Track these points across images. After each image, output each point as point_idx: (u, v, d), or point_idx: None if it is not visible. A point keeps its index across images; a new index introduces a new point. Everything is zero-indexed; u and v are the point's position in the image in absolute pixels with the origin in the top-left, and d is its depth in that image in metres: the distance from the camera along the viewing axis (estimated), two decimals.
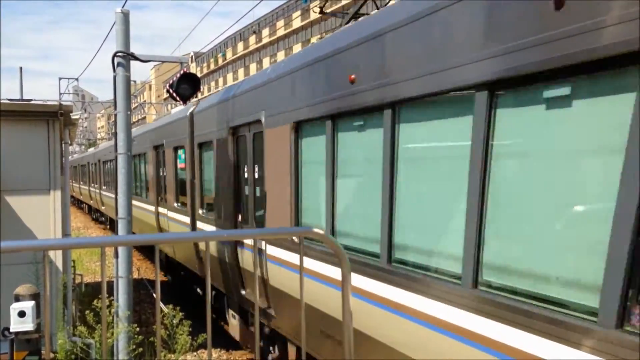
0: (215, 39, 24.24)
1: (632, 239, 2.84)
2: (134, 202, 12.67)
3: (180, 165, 12.52)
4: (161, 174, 14.40)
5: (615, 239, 2.92)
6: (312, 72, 6.27)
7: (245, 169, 8.56)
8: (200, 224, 10.85)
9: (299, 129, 6.73)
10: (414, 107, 4.68)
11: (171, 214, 13.30)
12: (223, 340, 11.02)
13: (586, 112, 3.22)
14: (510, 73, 3.54)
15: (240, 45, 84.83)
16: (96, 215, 36.41)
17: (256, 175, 8.15)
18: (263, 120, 7.58)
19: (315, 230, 3.37)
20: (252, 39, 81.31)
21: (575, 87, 3.27)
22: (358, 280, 5.23)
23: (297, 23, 71.19)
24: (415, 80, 4.49)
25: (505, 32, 3.56)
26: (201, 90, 9.96)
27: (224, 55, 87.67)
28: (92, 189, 33.84)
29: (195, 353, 10.34)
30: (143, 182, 17.18)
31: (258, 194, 8.11)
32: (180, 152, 12.47)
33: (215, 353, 10.80)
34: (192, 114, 11.33)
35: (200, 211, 10.88)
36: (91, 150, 41.18)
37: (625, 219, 2.88)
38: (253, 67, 76.04)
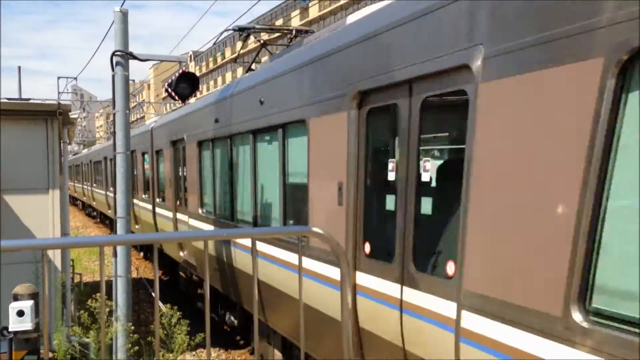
0: (214, 37, 24.20)
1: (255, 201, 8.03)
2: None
3: (146, 166, 16.50)
4: (134, 172, 17.76)
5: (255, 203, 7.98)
6: (203, 113, 10.41)
7: (180, 170, 12.54)
8: (157, 209, 14.85)
9: (201, 145, 10.66)
10: (237, 139, 8.83)
11: (141, 204, 17.02)
12: (222, 340, 11.03)
13: (276, 147, 7.31)
14: (258, 128, 7.76)
15: (239, 45, 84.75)
16: (89, 210, 39.54)
17: (185, 174, 12.02)
18: (185, 138, 11.56)
19: (315, 229, 3.36)
20: (251, 38, 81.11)
21: (272, 136, 7.52)
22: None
23: (295, 22, 71.14)
24: (236, 126, 8.62)
25: (252, 111, 7.92)
26: (200, 89, 10.02)
27: (223, 54, 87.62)
28: (85, 186, 37.12)
29: (194, 352, 10.34)
30: None
31: (186, 187, 11.93)
32: (146, 156, 16.40)
33: (214, 352, 10.80)
34: (152, 128, 15.18)
35: (157, 200, 14.88)
36: (84, 151, 44.15)
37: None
38: (252, 66, 75.94)
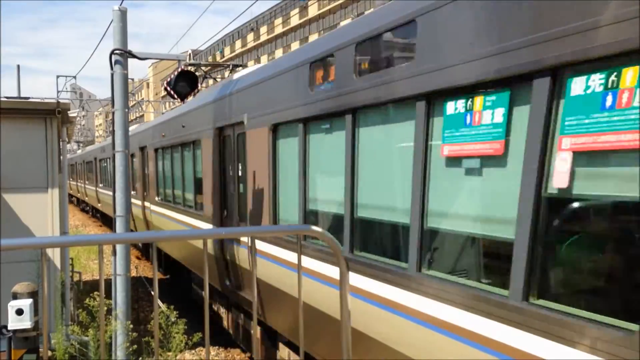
0: (214, 36, 24.19)
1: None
2: (105, 191, 25.57)
3: None
4: None
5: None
6: (158, 129, 14.26)
7: (145, 169, 16.55)
8: (132, 200, 17.88)
9: (156, 152, 14.66)
10: (174, 148, 12.71)
11: None
12: (221, 339, 11.03)
13: (191, 155, 11.33)
14: (183, 142, 11.67)
15: (238, 43, 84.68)
16: (82, 205, 42.98)
17: (149, 172, 15.88)
18: (147, 146, 15.76)
19: (314, 228, 3.37)
20: (250, 36, 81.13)
21: (189, 148, 11.49)
22: (160, 211, 14.31)
23: (295, 21, 71.08)
24: (175, 138, 12.27)
25: (180, 131, 11.84)
26: (199, 88, 10.02)
27: (222, 53, 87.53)
28: (79, 184, 40.62)
29: (193, 351, 10.35)
30: (109, 176, 25.40)
31: (149, 181, 15.90)
32: None
33: (213, 351, 10.81)
34: None
35: (132, 192, 18.34)
36: (79, 152, 46.99)
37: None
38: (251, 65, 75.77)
